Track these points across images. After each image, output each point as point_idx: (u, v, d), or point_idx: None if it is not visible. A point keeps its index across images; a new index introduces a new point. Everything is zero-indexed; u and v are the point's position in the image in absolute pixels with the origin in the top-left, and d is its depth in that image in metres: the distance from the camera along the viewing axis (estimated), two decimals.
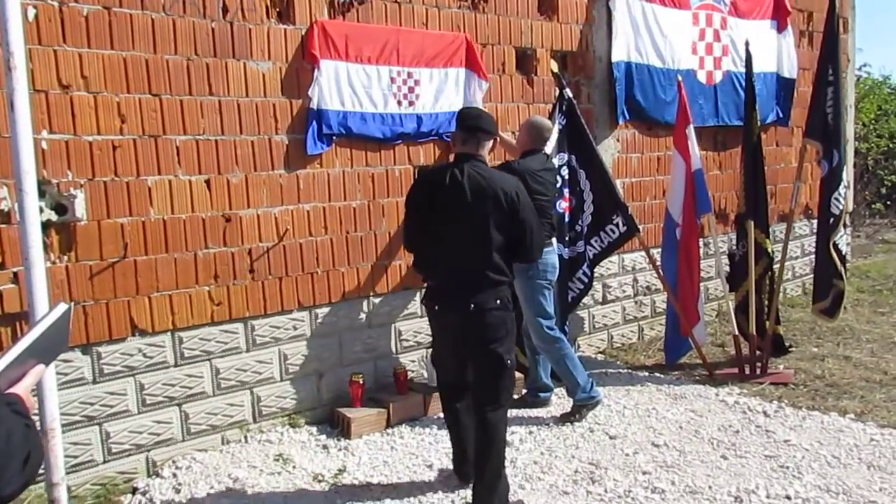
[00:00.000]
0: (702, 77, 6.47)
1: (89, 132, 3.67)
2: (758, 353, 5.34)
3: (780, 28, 7.12)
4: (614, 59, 5.82)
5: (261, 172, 4.23)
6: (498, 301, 3.26)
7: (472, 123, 3.43)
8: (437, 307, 3.37)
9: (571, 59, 5.77)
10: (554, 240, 4.60)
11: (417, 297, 4.90)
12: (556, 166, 4.88)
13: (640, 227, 5.50)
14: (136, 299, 3.86)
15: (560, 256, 4.82)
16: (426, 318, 3.88)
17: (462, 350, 3.37)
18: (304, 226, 4.43)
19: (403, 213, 3.70)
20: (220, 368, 4.18)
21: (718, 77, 6.57)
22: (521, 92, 5.42)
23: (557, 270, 4.61)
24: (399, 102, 4.71)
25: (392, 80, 4.66)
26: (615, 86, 5.84)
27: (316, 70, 4.35)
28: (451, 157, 3.62)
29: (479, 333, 3.27)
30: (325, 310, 4.56)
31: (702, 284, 5.94)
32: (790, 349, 5.73)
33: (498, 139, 4.93)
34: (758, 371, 5.28)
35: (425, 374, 4.89)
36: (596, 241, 5.20)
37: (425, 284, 3.62)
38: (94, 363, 3.78)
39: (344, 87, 4.47)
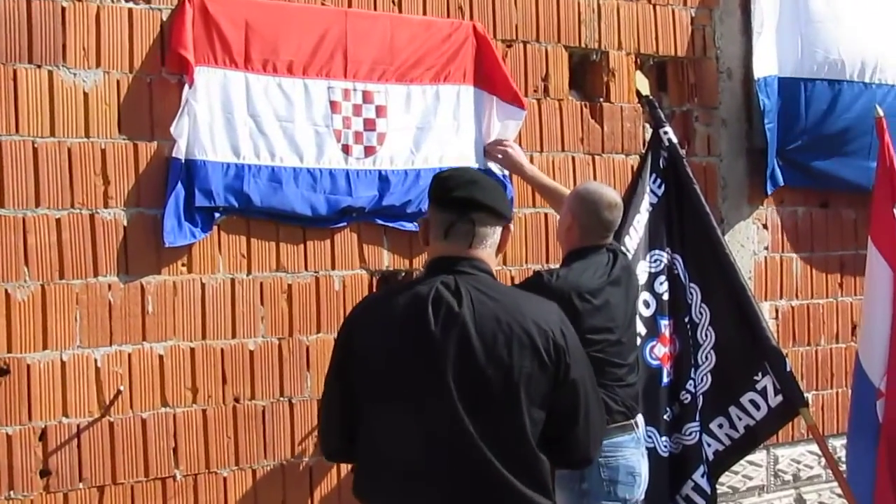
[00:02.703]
0: None
1: None
2: None
3: None
4: (758, 72, 5.92)
5: (72, 281, 4.26)
6: None
7: (460, 195, 3.32)
8: None
9: (675, 71, 5.87)
10: (638, 420, 4.53)
11: None
12: (643, 276, 4.99)
13: (808, 398, 5.46)
14: None
15: (651, 452, 4.80)
16: None
17: None
18: (154, 385, 4.43)
19: (326, 381, 3.51)
20: None
21: None
22: (581, 132, 5.49)
23: (643, 481, 4.51)
24: (346, 148, 4.79)
25: (333, 105, 4.76)
26: (761, 122, 5.93)
27: (187, 87, 4.41)
28: (425, 265, 3.53)
29: None
30: None
31: None
32: None
33: (527, 178, 5.11)
34: None
35: None
36: (721, 425, 5.19)
37: None
38: None
39: (239, 118, 4.54)
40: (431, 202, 3.42)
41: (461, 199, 3.30)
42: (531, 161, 5.21)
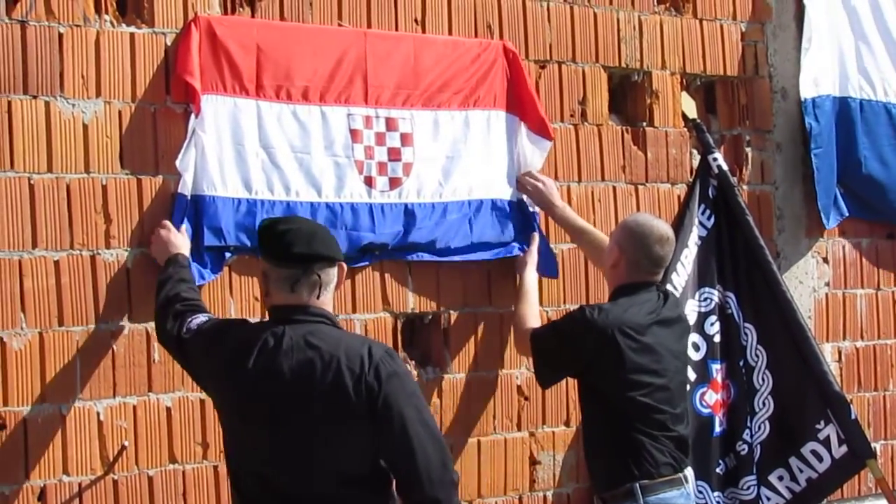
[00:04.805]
0: None
1: None
2: None
3: None
4: (806, 92, 5.93)
5: (73, 328, 4.23)
6: None
7: (303, 252, 3.59)
8: None
9: (724, 91, 5.86)
10: (687, 474, 4.44)
11: None
12: (692, 316, 4.98)
13: (876, 448, 5.50)
14: None
15: None
16: None
17: None
18: (161, 440, 4.41)
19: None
20: None
21: None
22: (622, 160, 5.47)
23: None
24: (369, 181, 4.77)
25: (354, 134, 4.74)
26: (816, 147, 5.89)
27: (193, 116, 4.39)
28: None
29: None
30: None
31: None
32: None
33: (557, 218, 5.10)
34: None
35: None
36: (782, 478, 5.15)
37: None
38: None
39: (251, 149, 4.52)
40: (267, 257, 3.70)
41: (304, 255, 3.63)
42: (569, 193, 5.20)
